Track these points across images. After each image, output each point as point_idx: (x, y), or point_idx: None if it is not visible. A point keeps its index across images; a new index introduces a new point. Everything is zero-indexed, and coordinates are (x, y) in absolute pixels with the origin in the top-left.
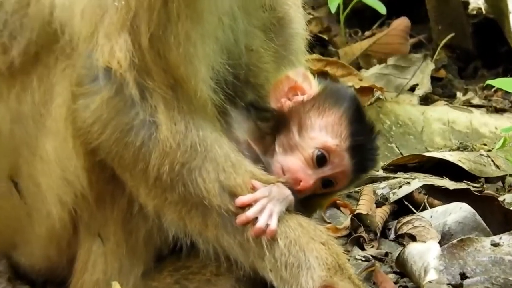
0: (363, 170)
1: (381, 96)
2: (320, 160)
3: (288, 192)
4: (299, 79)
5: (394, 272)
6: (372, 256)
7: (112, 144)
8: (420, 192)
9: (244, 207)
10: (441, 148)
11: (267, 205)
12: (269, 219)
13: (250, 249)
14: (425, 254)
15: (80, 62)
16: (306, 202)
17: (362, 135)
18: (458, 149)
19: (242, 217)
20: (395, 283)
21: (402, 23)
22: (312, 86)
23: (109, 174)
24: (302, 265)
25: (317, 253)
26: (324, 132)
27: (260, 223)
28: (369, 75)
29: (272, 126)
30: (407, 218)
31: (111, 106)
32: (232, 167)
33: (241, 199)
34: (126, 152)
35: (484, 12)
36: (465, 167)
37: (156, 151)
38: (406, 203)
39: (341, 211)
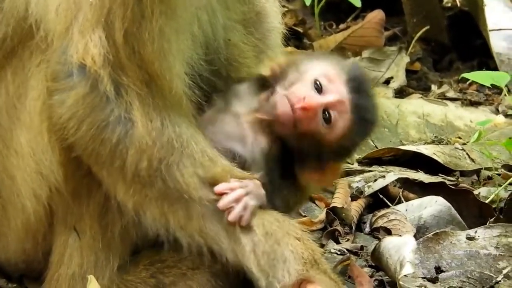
0: (363, 119)
1: None
2: (319, 86)
3: (262, 191)
4: None
5: (370, 266)
6: (347, 249)
7: (88, 141)
8: (395, 186)
9: (222, 195)
10: (416, 141)
11: (243, 198)
12: (243, 211)
13: (234, 233)
14: (401, 248)
15: (55, 58)
16: (287, 194)
17: (361, 92)
18: (433, 142)
19: (225, 200)
20: (371, 276)
21: (377, 16)
22: None
23: (85, 169)
24: (278, 258)
25: (292, 248)
26: (323, 66)
27: (235, 213)
28: None
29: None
30: (382, 212)
31: (86, 103)
32: (210, 161)
33: (219, 187)
34: (102, 149)
35: (459, 5)
36: (440, 160)
37: (132, 147)
38: (381, 196)
39: (316, 204)
